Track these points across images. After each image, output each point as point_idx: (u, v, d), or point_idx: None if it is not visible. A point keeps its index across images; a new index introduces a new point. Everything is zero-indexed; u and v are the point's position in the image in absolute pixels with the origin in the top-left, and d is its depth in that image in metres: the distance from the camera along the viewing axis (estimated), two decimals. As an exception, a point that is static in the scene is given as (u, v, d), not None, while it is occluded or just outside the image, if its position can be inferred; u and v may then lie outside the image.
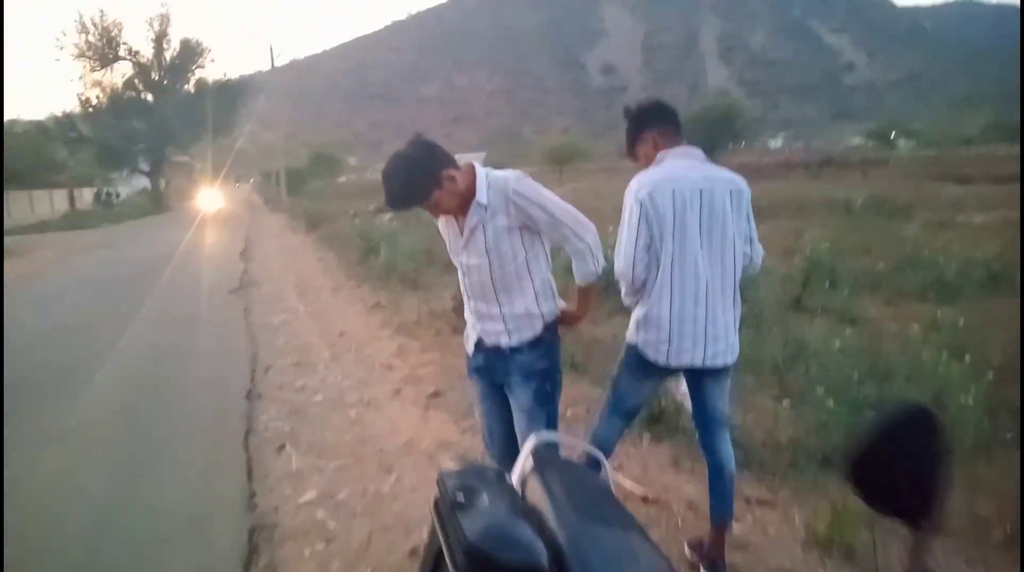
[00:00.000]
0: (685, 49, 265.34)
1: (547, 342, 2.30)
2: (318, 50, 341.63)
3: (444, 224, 2.34)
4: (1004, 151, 39.80)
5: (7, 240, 18.68)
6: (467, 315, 2.44)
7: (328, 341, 6.28)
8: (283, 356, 5.83)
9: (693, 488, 3.13)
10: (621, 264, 2.40)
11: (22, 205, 31.18)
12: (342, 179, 55.71)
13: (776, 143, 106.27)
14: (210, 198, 32.06)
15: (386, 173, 2.12)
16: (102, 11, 42.55)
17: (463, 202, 2.18)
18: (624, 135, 2.57)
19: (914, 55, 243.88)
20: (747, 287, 7.16)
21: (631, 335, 2.51)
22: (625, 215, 2.39)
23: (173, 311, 8.18)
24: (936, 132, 66.60)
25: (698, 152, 2.46)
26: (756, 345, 4.81)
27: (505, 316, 2.28)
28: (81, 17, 37.89)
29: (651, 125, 2.50)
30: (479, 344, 2.38)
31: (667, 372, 2.51)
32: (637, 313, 2.47)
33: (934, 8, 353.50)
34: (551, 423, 2.30)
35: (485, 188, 2.16)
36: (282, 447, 3.91)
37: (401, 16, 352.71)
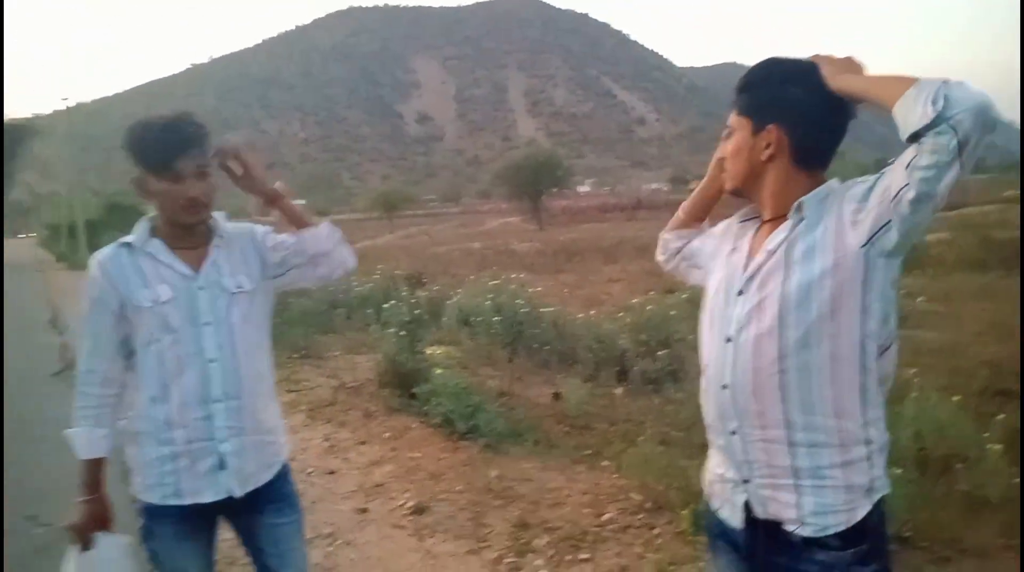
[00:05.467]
0: (495, 102, 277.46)
1: (873, 529, 1.30)
2: (108, 93, 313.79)
3: (719, 238, 1.53)
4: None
5: None
6: (712, 447, 1.47)
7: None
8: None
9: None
10: None
11: None
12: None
13: (585, 188, 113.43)
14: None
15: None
16: None
17: (745, 182, 1.42)
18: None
19: (694, 111, 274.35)
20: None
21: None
22: None
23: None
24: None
25: None
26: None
27: (798, 462, 1.28)
28: None
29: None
30: (745, 511, 1.37)
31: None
32: None
33: (706, 69, 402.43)
34: None
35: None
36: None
37: (201, 59, 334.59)
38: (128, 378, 1.73)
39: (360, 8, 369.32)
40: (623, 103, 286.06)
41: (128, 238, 1.70)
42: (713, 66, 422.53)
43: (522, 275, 9.83)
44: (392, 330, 5.77)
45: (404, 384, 5.12)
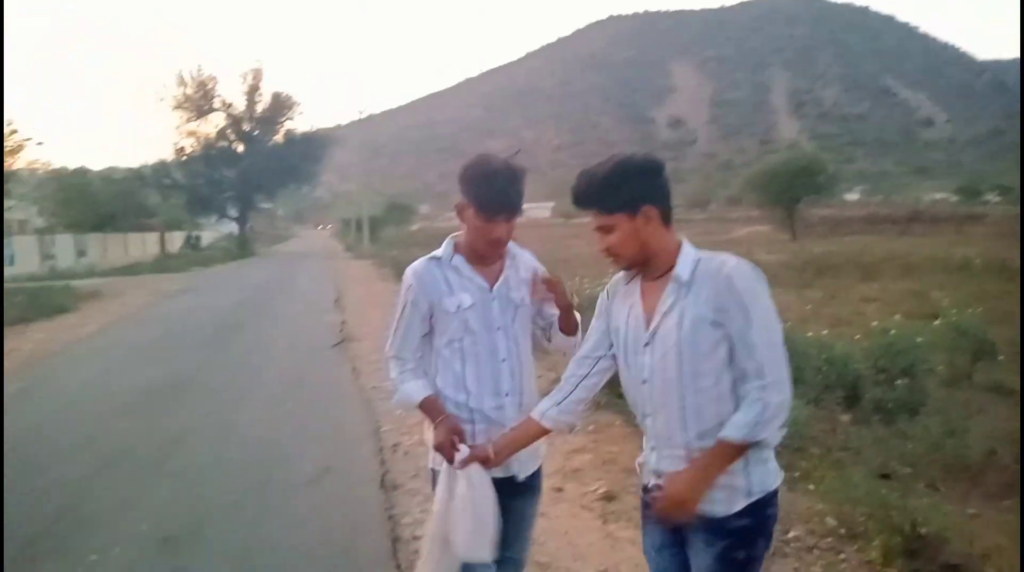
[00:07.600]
0: (755, 104, 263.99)
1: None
2: (392, 105, 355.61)
3: (624, 307, 1.79)
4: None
5: (101, 281, 19.08)
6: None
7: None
8: (408, 431, 5.17)
9: None
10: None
11: (117, 247, 32.36)
12: (414, 227, 56.52)
13: (853, 196, 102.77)
14: (294, 244, 32.77)
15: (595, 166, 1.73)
16: (200, 66, 44.97)
17: (639, 256, 1.72)
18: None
19: (996, 111, 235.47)
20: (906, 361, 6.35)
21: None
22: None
23: (271, 370, 7.69)
24: (1032, 189, 64.12)
25: None
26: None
27: (690, 445, 1.71)
28: (181, 71, 40.09)
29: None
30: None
31: None
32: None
33: (1016, 62, 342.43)
34: None
35: (690, 263, 1.69)
36: None
37: (472, 73, 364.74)
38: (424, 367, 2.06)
39: (618, 17, 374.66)
40: (906, 102, 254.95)
41: (437, 253, 2.03)
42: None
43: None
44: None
45: (612, 382, 5.38)
